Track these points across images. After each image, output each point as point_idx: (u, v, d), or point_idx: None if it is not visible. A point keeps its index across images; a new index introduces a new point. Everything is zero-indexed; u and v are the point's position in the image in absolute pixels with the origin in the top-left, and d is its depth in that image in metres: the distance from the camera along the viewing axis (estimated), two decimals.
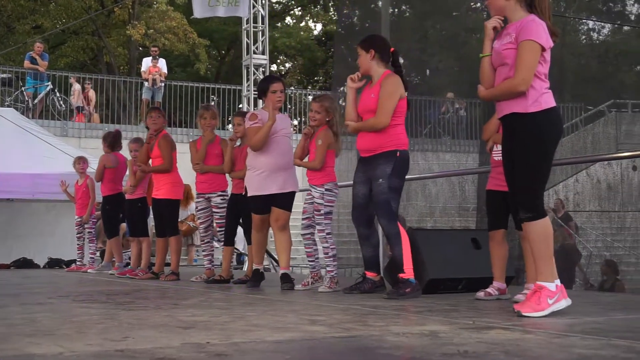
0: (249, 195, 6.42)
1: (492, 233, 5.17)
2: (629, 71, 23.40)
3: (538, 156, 3.93)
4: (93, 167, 9.80)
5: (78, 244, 10.18)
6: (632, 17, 25.74)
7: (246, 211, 6.98)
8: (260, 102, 14.62)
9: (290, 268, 6.97)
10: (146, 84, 17.98)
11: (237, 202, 7.05)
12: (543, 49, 3.94)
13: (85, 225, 10.04)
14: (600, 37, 23.87)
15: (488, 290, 5.09)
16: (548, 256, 3.90)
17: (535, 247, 3.91)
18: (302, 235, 6.25)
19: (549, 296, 3.80)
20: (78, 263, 10.19)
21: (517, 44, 3.95)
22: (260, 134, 6.16)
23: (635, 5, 26.91)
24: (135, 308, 4.52)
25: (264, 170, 6.25)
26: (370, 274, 5.56)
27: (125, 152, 9.08)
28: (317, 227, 6.07)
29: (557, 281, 3.90)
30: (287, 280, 6.19)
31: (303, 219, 6.20)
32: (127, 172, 8.74)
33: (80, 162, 10.11)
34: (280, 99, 6.34)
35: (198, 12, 13.71)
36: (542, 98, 3.95)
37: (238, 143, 7.16)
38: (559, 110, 4.08)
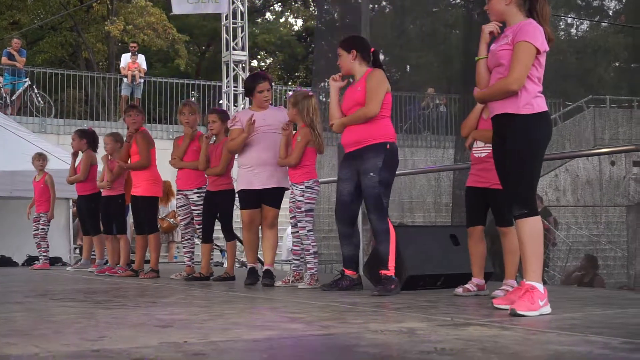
0: (237, 190, 6.53)
1: (471, 230, 5.19)
2: (607, 67, 23.56)
3: (530, 156, 3.96)
4: (68, 161, 9.70)
5: (36, 242, 10.06)
6: (610, 13, 25.93)
7: (223, 208, 7.01)
8: (240, 97, 14.61)
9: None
10: (125, 80, 17.88)
11: (212, 199, 7.04)
12: (538, 52, 3.97)
13: (41, 222, 9.95)
14: (579, 33, 24.03)
15: (467, 286, 5.11)
16: (539, 255, 3.91)
17: (527, 245, 3.90)
18: (292, 233, 6.26)
19: (539, 297, 3.81)
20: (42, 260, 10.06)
21: (513, 45, 3.98)
22: (234, 143, 6.41)
23: (613, 1, 27.10)
24: (113, 307, 4.50)
25: (251, 165, 6.38)
26: (348, 272, 5.56)
27: (100, 147, 9.05)
28: (299, 224, 6.07)
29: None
30: (268, 276, 6.22)
31: (290, 218, 6.23)
32: (101, 168, 8.68)
33: (40, 159, 10.07)
34: (266, 98, 6.50)
35: (177, 9, 13.64)
36: (534, 101, 3.98)
37: (213, 139, 7.15)
38: (549, 115, 4.12)
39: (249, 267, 6.58)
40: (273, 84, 7.18)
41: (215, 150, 7.00)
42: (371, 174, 5.18)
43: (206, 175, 7.19)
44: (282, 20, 32.78)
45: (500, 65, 4.05)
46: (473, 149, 5.31)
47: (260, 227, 6.53)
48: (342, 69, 5.50)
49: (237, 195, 6.63)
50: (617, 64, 24.42)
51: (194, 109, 7.40)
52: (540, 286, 3.84)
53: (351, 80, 5.54)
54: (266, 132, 6.40)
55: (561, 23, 23.08)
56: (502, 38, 4.11)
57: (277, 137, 6.32)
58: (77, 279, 7.77)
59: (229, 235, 7.17)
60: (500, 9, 4.12)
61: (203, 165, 7.03)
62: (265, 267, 6.40)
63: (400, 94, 20.13)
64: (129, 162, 7.84)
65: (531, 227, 3.91)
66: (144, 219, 7.76)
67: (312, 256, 6.02)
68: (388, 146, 5.23)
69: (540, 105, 3.99)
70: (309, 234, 6.02)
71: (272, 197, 6.33)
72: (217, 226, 7.31)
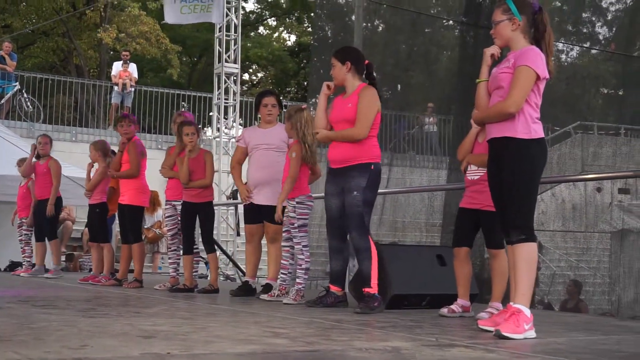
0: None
1: (457, 250, 5.18)
2: (595, 94, 23.73)
3: (527, 180, 3.97)
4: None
5: (21, 247, 9.98)
6: (601, 38, 26.11)
7: (204, 220, 7.08)
8: (230, 110, 14.62)
9: (256, 278, 6.98)
10: (116, 88, 17.84)
11: (193, 210, 7.02)
12: (538, 78, 3.98)
13: (23, 228, 9.88)
14: (569, 59, 24.20)
15: (452, 307, 5.10)
16: (531, 280, 3.91)
17: (522, 269, 3.89)
18: (282, 247, 6.27)
19: (525, 321, 3.79)
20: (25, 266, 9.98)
21: (514, 69, 4.00)
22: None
23: (604, 27, 27.32)
24: (96, 315, 4.46)
25: (250, 182, 6.61)
26: (334, 288, 5.55)
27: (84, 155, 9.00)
28: (294, 239, 6.04)
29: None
30: (266, 291, 6.33)
31: (283, 232, 6.21)
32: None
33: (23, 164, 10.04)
34: (270, 112, 6.62)
35: (170, 18, 13.62)
36: (532, 126, 3.99)
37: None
38: (545, 142, 4.15)
39: (243, 280, 6.62)
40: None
41: (197, 162, 6.97)
42: (355, 192, 5.21)
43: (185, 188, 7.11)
44: (275, 35, 32.83)
45: (500, 87, 4.07)
46: (467, 172, 5.32)
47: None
48: (335, 79, 5.50)
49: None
50: (605, 91, 24.61)
51: (197, 130, 7.21)
52: (527, 310, 3.83)
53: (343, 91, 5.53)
54: (265, 150, 6.46)
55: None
56: (504, 61, 4.13)
57: (275, 155, 6.38)
58: (59, 286, 7.71)
59: (210, 247, 7.16)
60: (507, 34, 4.13)
61: (185, 179, 6.96)
62: (266, 281, 6.54)
63: (392, 113, 20.18)
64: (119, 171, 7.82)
65: (528, 252, 3.92)
66: (129, 228, 7.72)
67: (304, 272, 5.98)
68: (373, 167, 5.28)
69: (537, 131, 4.00)
70: (304, 249, 5.97)
71: (271, 213, 6.30)
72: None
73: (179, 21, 14.08)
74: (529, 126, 3.98)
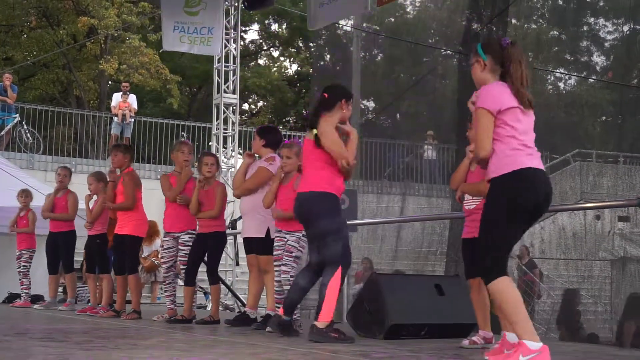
0: None
1: (471, 281, 5.16)
2: (593, 122, 23.84)
3: (498, 220, 3.87)
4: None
5: (19, 279, 9.94)
6: (598, 69, 26.31)
7: (212, 250, 7.03)
8: (229, 140, 14.66)
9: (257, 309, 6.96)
10: (115, 119, 17.90)
11: (205, 241, 7.03)
12: (500, 112, 3.93)
13: (22, 259, 9.85)
14: (567, 87, 24.38)
15: (473, 338, 5.05)
16: (518, 311, 3.82)
17: (503, 305, 3.85)
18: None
19: (523, 353, 3.70)
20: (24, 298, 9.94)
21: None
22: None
23: (602, 56, 27.51)
24: (93, 348, 4.45)
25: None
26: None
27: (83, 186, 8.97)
28: (283, 267, 6.03)
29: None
30: (264, 322, 6.30)
31: (276, 265, 6.20)
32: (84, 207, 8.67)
33: (23, 195, 10.01)
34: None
35: (168, 45, 13.60)
36: (505, 161, 3.90)
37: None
38: (535, 172, 3.91)
39: (242, 310, 6.63)
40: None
41: (210, 193, 7.01)
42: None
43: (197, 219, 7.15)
44: (275, 64, 32.99)
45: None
46: (464, 202, 5.33)
47: None
48: (345, 118, 5.48)
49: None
50: (603, 119, 24.73)
51: (191, 149, 7.42)
52: (530, 343, 3.72)
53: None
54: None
55: (550, 77, 23.41)
56: None
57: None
58: (58, 318, 7.68)
59: (214, 278, 7.14)
60: (477, 76, 4.16)
61: (195, 210, 7.00)
62: (266, 312, 6.53)
63: (390, 142, 20.25)
64: (114, 201, 7.82)
65: (498, 289, 3.81)
66: (129, 258, 7.70)
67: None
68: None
69: (514, 163, 3.89)
70: (291, 279, 5.98)
71: (256, 245, 6.46)
72: (201, 268, 7.27)
73: (177, 48, 14.04)
74: (501, 162, 3.90)
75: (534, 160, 3.93)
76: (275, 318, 5.59)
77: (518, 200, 3.84)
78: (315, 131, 5.26)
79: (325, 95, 5.45)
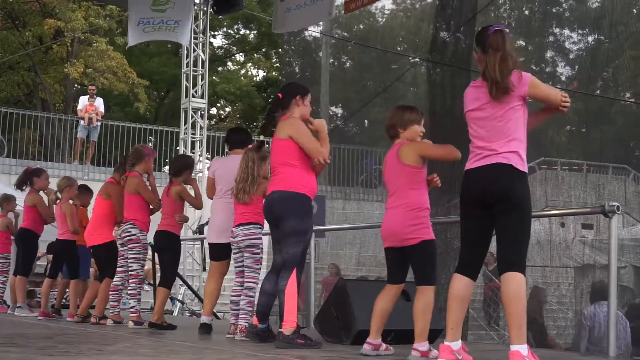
0: None
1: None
2: (559, 130, 24.12)
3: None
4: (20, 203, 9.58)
5: None
6: (563, 78, 26.67)
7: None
8: (197, 144, 14.58)
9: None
10: (82, 122, 17.72)
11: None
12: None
13: None
14: None
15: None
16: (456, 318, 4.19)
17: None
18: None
19: None
20: None
21: None
22: None
23: (567, 67, 27.87)
24: (55, 353, 4.39)
25: None
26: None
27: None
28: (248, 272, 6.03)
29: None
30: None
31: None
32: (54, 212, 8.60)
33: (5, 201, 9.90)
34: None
35: (133, 39, 13.20)
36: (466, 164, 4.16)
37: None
38: (475, 170, 4.07)
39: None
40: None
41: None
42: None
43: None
44: (242, 71, 32.93)
45: None
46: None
47: None
48: (306, 116, 5.45)
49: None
50: (568, 128, 25.06)
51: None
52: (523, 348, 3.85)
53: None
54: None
55: None
56: None
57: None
58: (23, 323, 7.56)
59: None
60: (480, 68, 4.25)
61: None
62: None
63: (358, 148, 20.32)
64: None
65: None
66: (111, 265, 7.55)
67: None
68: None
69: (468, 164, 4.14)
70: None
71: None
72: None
73: (142, 39, 13.62)
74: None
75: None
76: (251, 328, 5.54)
77: (462, 198, 4.18)
78: (262, 137, 5.29)
79: (280, 95, 5.46)
